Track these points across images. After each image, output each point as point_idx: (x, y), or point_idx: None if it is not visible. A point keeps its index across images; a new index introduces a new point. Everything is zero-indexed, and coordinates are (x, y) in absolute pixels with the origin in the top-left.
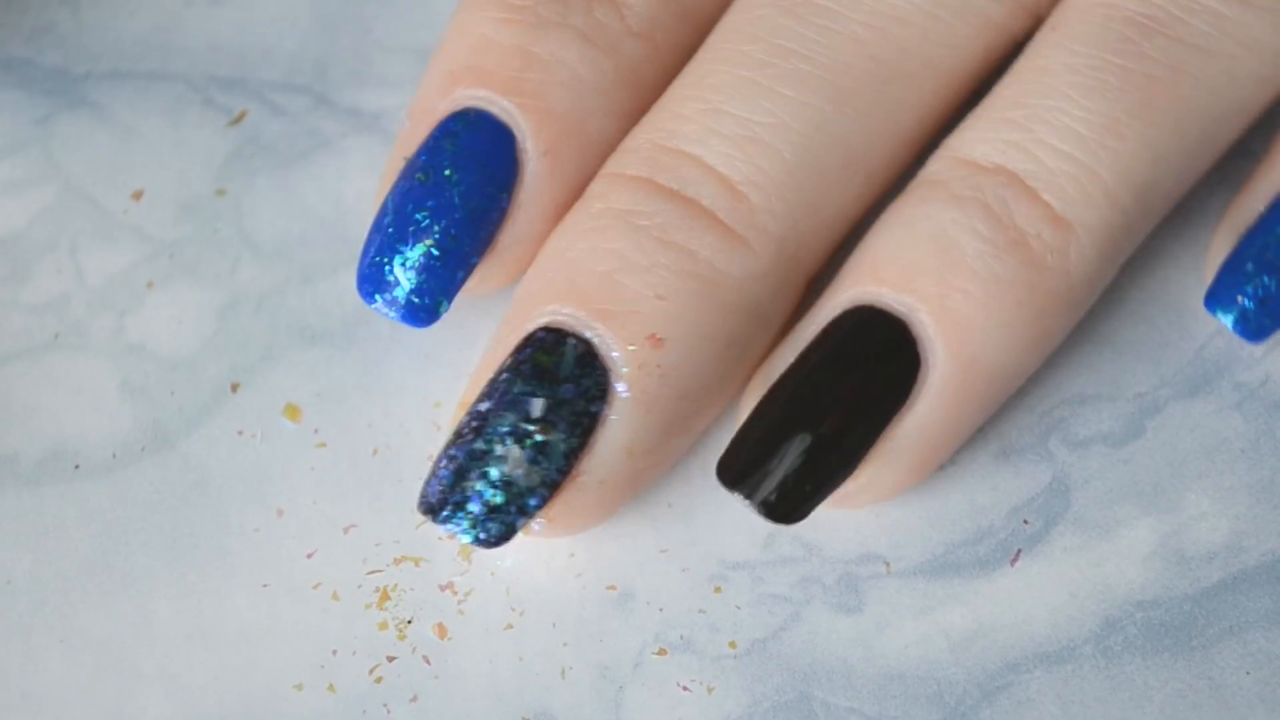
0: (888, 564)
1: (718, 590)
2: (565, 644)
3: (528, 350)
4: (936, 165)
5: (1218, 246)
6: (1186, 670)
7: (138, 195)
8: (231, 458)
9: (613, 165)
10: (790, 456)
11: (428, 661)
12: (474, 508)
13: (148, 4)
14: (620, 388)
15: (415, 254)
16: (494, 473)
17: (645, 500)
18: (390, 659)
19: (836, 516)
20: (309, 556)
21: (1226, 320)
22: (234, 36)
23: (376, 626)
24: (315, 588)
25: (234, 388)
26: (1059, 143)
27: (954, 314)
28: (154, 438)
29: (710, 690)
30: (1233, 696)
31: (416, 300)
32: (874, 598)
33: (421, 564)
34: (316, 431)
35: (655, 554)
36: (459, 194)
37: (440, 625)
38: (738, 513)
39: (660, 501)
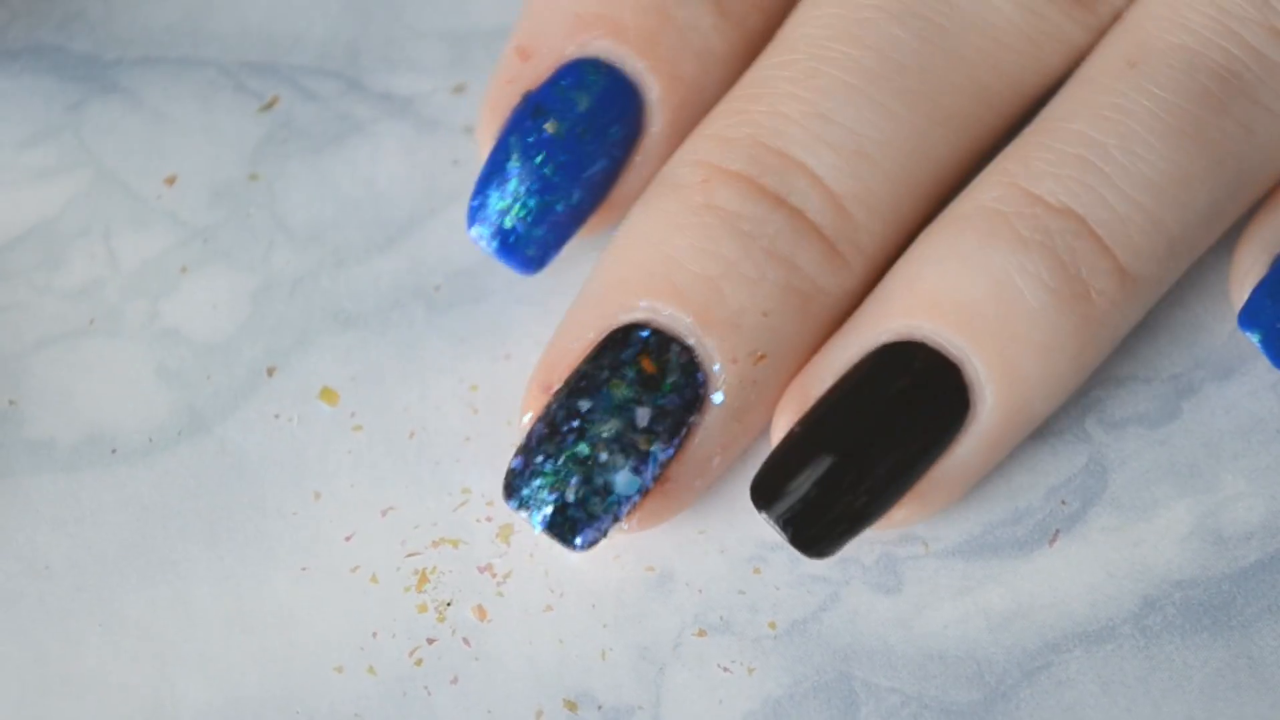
0: (926, 544)
1: (756, 571)
2: (605, 625)
3: (629, 349)
4: (999, 192)
5: (1244, 258)
6: (1225, 649)
7: (170, 180)
8: (268, 441)
9: (711, 155)
10: (829, 490)
11: (467, 643)
12: (573, 513)
13: None
14: (717, 398)
15: (536, 204)
16: (595, 480)
17: None
18: (430, 641)
19: None
20: (347, 539)
21: (1258, 341)
22: (265, 21)
23: (416, 609)
24: (354, 570)
25: (270, 372)
26: (1133, 191)
27: (1010, 364)
28: (190, 422)
29: (750, 671)
30: (1272, 675)
31: (533, 251)
32: (913, 578)
33: (460, 546)
34: (353, 415)
35: (694, 535)
36: (586, 151)
37: (480, 607)
38: None
39: None
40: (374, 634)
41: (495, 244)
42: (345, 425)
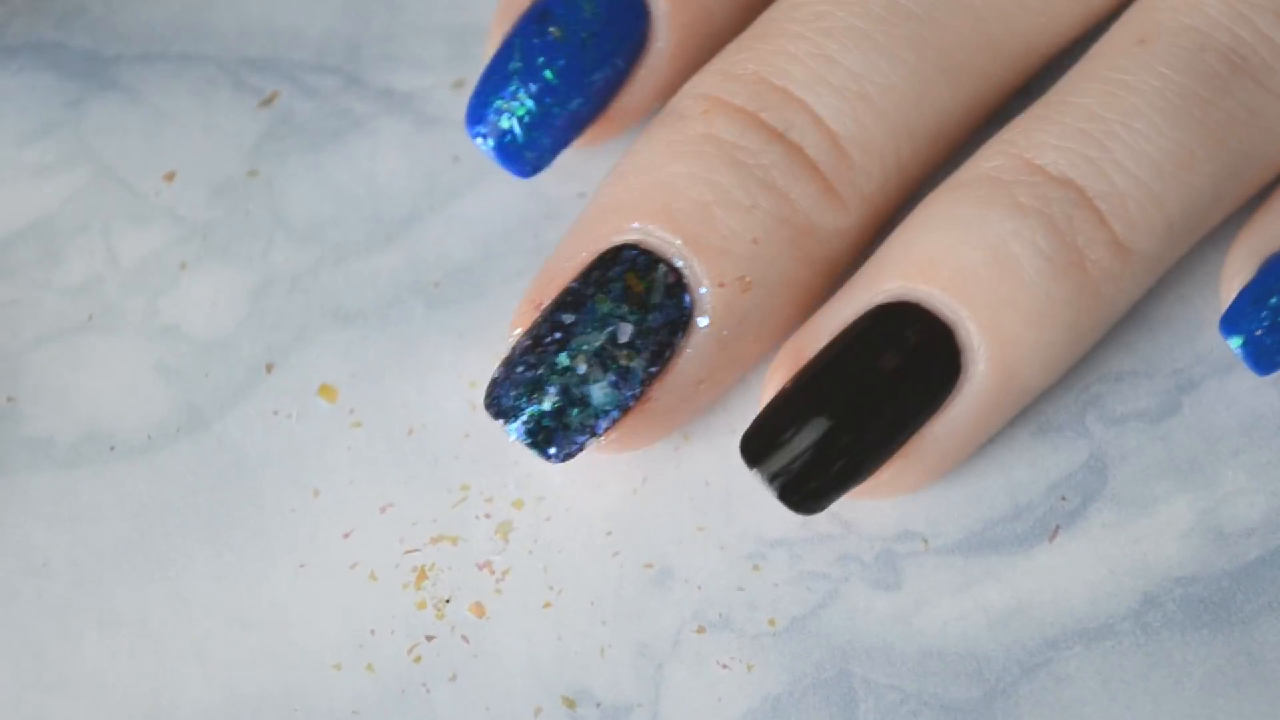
0: (926, 541)
1: (756, 568)
2: (604, 622)
3: (617, 267)
4: (1001, 161)
5: (1233, 262)
6: (1225, 646)
7: (169, 177)
8: (267, 438)
9: (714, 88)
10: (818, 448)
11: (466, 641)
12: (548, 423)
13: None
14: (702, 322)
15: (535, 107)
16: (574, 392)
17: (682, 478)
18: (429, 638)
19: None
20: (346, 536)
21: (1238, 347)
22: (264, 17)
23: (415, 606)
24: (353, 568)
25: (268, 368)
26: (1134, 166)
27: (1002, 329)
28: (189, 419)
29: (750, 668)
30: (1272, 672)
31: (529, 154)
32: (912, 575)
33: (459, 543)
34: (352, 411)
35: (693, 532)
36: (589, 58)
37: (478, 604)
38: None
39: (697, 479)
40: (372, 631)
41: (492, 144)
42: (344, 422)
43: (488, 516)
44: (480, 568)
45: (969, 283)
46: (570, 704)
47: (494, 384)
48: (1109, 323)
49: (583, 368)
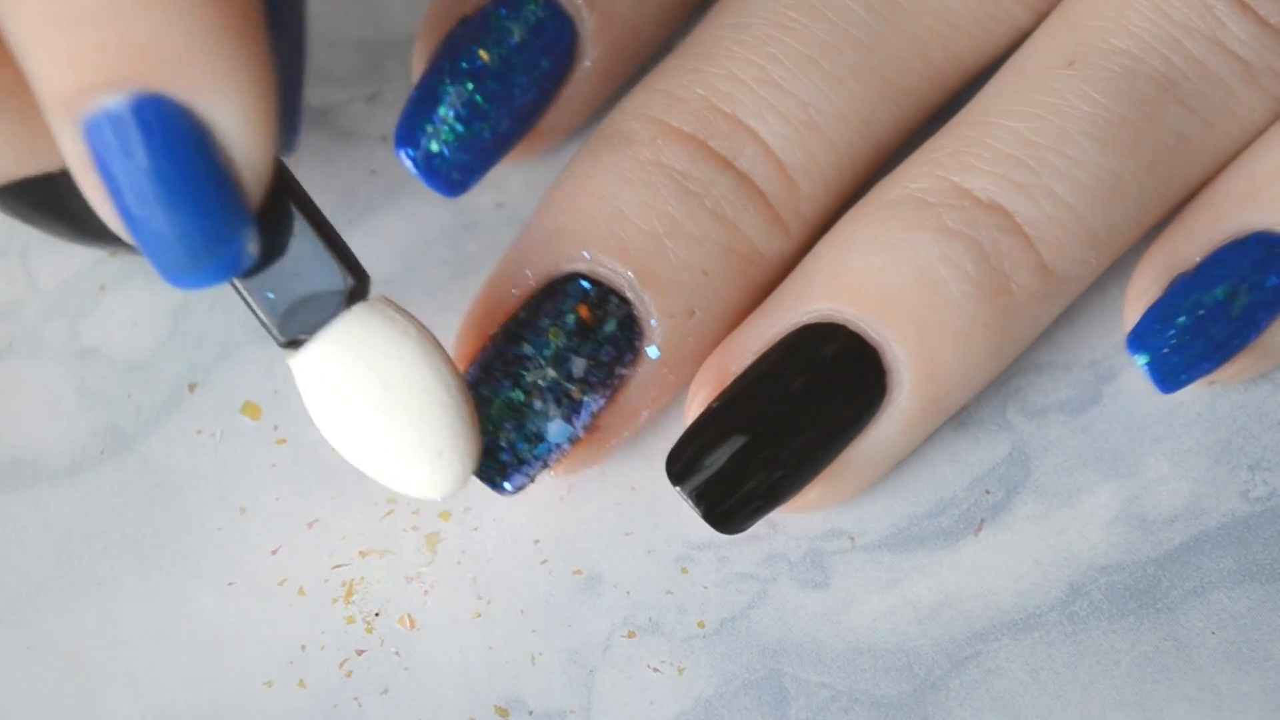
0: (852, 539)
1: (684, 571)
2: (534, 630)
3: (569, 299)
4: (929, 184)
5: (1142, 280)
6: (1152, 632)
7: None
8: (191, 458)
9: (662, 112)
10: (741, 469)
11: (397, 654)
12: (505, 458)
13: None
14: (652, 352)
15: (464, 130)
16: (528, 427)
17: (608, 484)
18: (360, 652)
19: None
20: (273, 553)
21: (1144, 364)
22: None
23: (344, 620)
24: (281, 584)
25: (191, 388)
26: (1064, 193)
27: (929, 352)
28: (113, 441)
29: (680, 671)
30: (1199, 656)
31: (457, 175)
32: (840, 572)
33: (386, 556)
34: (276, 428)
35: (620, 537)
36: (518, 81)
37: (408, 617)
38: None
39: (623, 485)
40: (303, 647)
41: (420, 166)
42: (269, 439)
43: (415, 529)
44: (409, 580)
45: (896, 306)
46: (503, 713)
47: None
48: (1032, 339)
49: (538, 404)
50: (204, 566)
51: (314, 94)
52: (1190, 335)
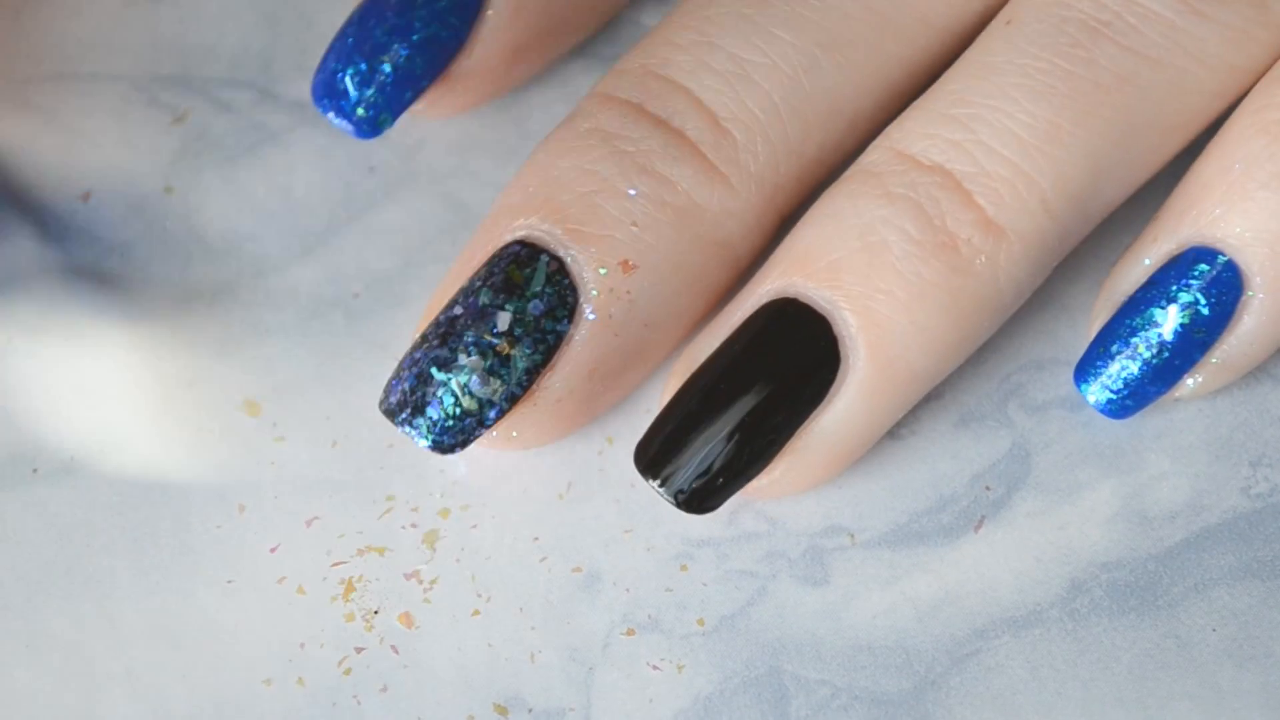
0: (852, 535)
1: (684, 568)
2: (533, 628)
3: (501, 262)
4: (874, 155)
5: (1098, 309)
6: (1153, 630)
7: (86, 197)
8: (190, 456)
9: (605, 86)
10: (705, 449)
11: (396, 651)
12: (433, 414)
13: (88, 5)
14: (588, 309)
15: (368, 69)
16: (456, 381)
17: (607, 482)
18: (358, 650)
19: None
20: (272, 551)
21: (1090, 399)
22: (176, 35)
23: (343, 618)
24: (280, 582)
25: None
26: (999, 146)
27: (876, 315)
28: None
29: (680, 668)
30: (1200, 654)
31: (362, 113)
32: (840, 570)
33: (385, 554)
34: (275, 425)
35: (619, 534)
36: (420, 19)
37: (407, 614)
38: None
39: (623, 482)
40: (302, 645)
41: (327, 104)
42: (267, 436)
43: (414, 526)
44: (408, 578)
45: (841, 272)
46: (502, 711)
47: (387, 385)
48: (998, 302)
49: (462, 358)
50: (203, 565)
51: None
52: (1129, 361)
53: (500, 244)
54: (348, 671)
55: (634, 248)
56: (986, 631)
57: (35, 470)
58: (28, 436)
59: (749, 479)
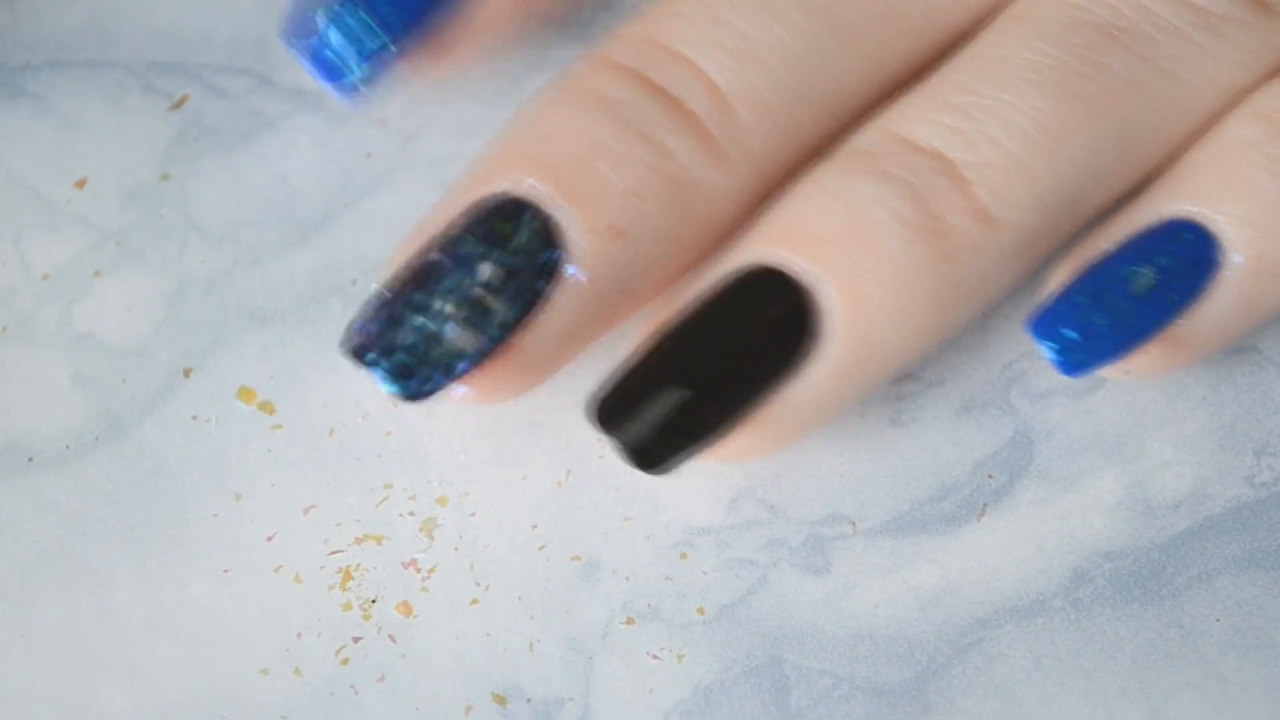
0: (854, 524)
1: (683, 556)
2: (532, 617)
3: (485, 212)
4: (871, 136)
5: (1060, 270)
6: (1157, 619)
7: (81, 184)
8: (187, 444)
9: (606, 51)
10: (666, 406)
11: (393, 640)
12: (401, 358)
13: None
14: (571, 271)
15: (350, 19)
16: (428, 328)
17: (607, 469)
18: (356, 640)
19: (800, 478)
20: (269, 540)
21: (1046, 349)
22: (172, 21)
23: (340, 607)
24: (277, 571)
25: (186, 373)
26: (1001, 137)
27: (859, 292)
28: (107, 427)
29: (680, 658)
30: (1203, 644)
31: (346, 75)
32: (841, 558)
33: (383, 542)
34: (272, 413)
35: (619, 523)
36: None
37: (405, 603)
38: (701, 478)
39: (622, 470)
40: (299, 634)
41: (311, 62)
42: (264, 424)
43: (412, 514)
44: (406, 566)
45: (827, 247)
46: (501, 701)
47: (349, 325)
48: (981, 294)
49: (438, 304)
50: (199, 553)
51: (309, 78)
52: (1092, 316)
53: (485, 194)
54: (345, 661)
55: (625, 214)
56: (989, 621)
57: (30, 459)
58: (23, 425)
59: (707, 443)
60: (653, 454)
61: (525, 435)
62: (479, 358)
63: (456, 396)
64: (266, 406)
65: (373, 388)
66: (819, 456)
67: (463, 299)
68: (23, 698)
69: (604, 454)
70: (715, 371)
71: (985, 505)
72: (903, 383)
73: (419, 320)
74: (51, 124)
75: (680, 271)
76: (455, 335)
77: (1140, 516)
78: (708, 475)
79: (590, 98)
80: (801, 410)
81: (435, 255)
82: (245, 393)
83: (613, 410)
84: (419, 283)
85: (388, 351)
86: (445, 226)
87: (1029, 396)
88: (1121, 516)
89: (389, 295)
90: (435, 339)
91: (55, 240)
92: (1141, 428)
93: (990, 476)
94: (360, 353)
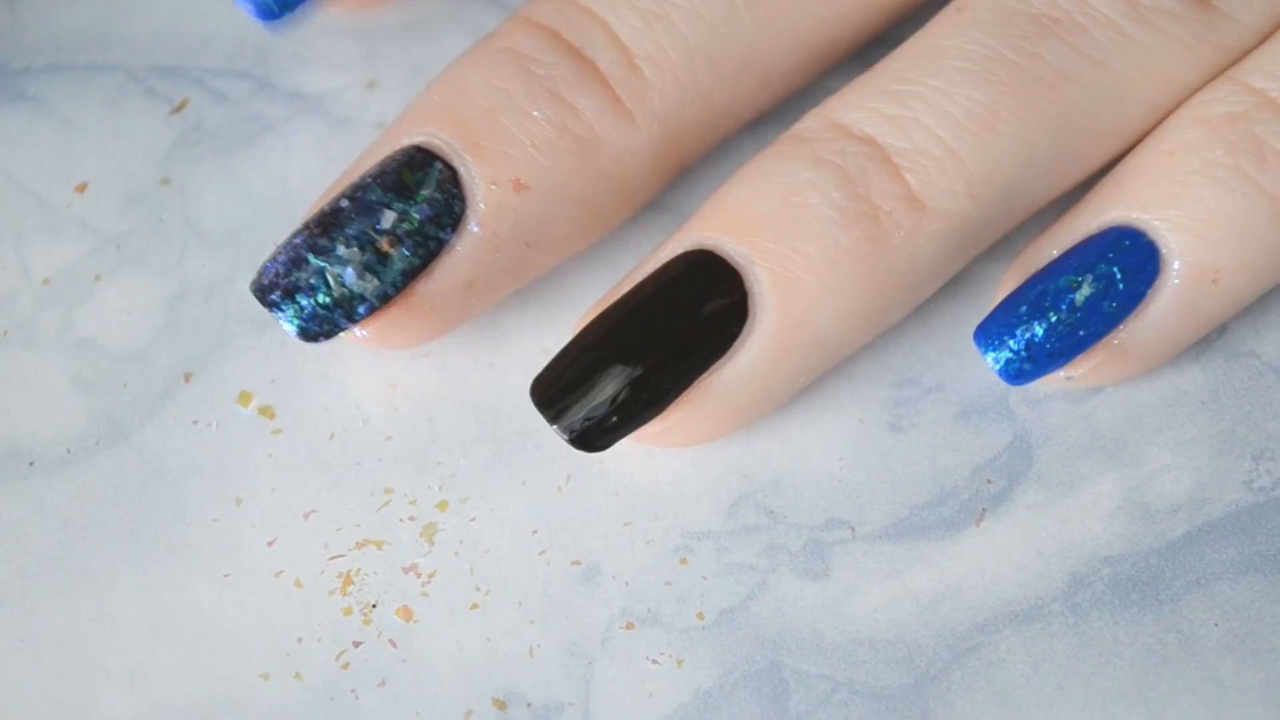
0: (853, 529)
1: (683, 561)
2: (532, 622)
3: (394, 163)
4: (809, 123)
5: (1008, 279)
6: (1155, 624)
7: (82, 188)
8: (187, 448)
9: (525, 9)
10: (603, 387)
11: (394, 645)
12: (303, 300)
13: None
14: (473, 222)
15: None
16: (331, 271)
17: (607, 474)
18: (356, 644)
19: (800, 483)
20: (270, 544)
21: (989, 359)
22: (173, 24)
23: (341, 612)
24: (277, 575)
25: (187, 378)
26: (933, 125)
27: (789, 275)
28: (108, 431)
29: (680, 662)
30: (1202, 648)
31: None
32: (840, 563)
33: (384, 547)
34: (272, 418)
35: (619, 527)
36: None
37: (405, 608)
38: (701, 483)
39: (622, 474)
40: (299, 639)
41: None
42: (265, 429)
43: (412, 519)
44: (406, 571)
45: (760, 229)
46: (501, 705)
47: (261, 267)
48: (912, 279)
49: (341, 248)
50: (200, 558)
51: (309, 81)
52: (1033, 325)
53: (397, 147)
54: (345, 666)
55: (528, 168)
56: (987, 625)
57: (32, 463)
58: (24, 429)
59: (642, 422)
60: (589, 436)
61: (525, 441)
62: (379, 302)
63: (356, 338)
64: (267, 411)
65: (373, 391)
66: (818, 462)
67: (365, 244)
68: (23, 702)
69: (603, 459)
70: (652, 352)
71: (984, 510)
72: (901, 388)
73: (321, 263)
74: (52, 128)
75: (586, 228)
76: (356, 279)
77: (1139, 521)
78: (708, 480)
79: (506, 54)
80: (736, 391)
81: (343, 202)
82: (245, 397)
83: (553, 393)
84: (325, 228)
85: (290, 292)
86: (359, 178)
87: (1027, 402)
88: (1120, 521)
89: (297, 240)
90: (335, 285)
91: (56, 244)
92: (1140, 433)
93: (989, 481)
94: (265, 293)
